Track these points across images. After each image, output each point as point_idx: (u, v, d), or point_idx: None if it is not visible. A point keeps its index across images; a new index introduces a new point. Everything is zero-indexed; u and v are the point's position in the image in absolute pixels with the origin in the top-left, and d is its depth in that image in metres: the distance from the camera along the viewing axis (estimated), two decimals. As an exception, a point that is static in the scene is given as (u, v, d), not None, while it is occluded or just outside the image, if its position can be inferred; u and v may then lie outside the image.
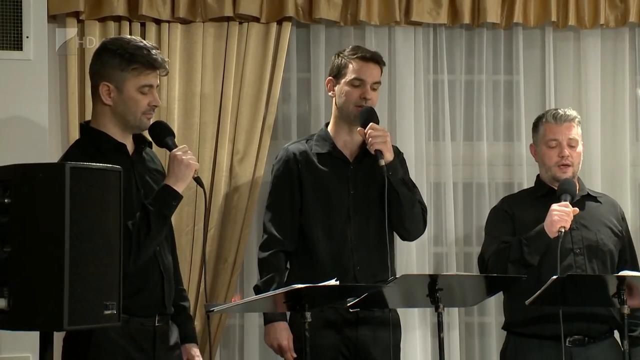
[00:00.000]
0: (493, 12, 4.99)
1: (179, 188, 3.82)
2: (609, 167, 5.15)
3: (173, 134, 3.94)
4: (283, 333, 4.27)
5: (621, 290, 3.95)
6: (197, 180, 3.89)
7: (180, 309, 4.01)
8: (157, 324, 3.84)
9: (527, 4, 5.04)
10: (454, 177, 5.07)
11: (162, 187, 3.82)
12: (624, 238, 4.58)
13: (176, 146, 3.89)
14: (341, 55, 4.43)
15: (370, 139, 4.26)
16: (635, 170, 5.20)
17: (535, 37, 5.17)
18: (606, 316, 4.39)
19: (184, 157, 3.83)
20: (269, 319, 4.30)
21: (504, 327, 4.58)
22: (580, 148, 4.55)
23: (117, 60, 3.79)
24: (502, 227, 4.52)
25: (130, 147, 3.90)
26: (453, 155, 5.07)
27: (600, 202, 4.61)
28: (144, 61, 3.80)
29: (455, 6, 5.00)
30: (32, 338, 3.38)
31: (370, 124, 4.28)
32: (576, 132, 4.54)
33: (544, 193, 4.55)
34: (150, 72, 3.82)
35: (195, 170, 3.86)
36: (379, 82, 4.41)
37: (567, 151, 4.49)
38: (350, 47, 4.47)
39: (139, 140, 3.94)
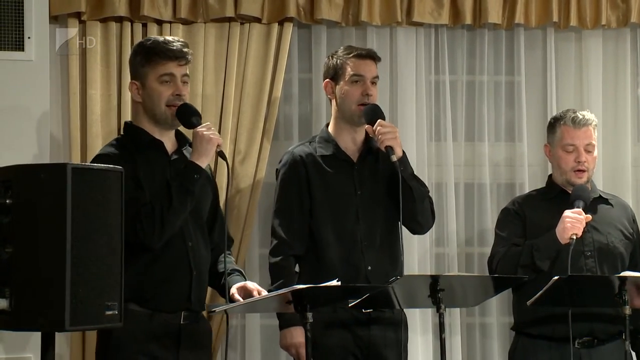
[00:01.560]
0: (494, 13, 4.99)
1: (202, 163, 3.89)
2: (611, 167, 5.14)
3: (199, 115, 3.98)
4: (299, 336, 4.21)
5: (622, 291, 3.95)
6: (220, 154, 3.94)
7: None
8: (182, 322, 3.83)
9: (529, 4, 5.04)
10: (455, 178, 5.06)
11: (185, 163, 3.89)
12: (635, 240, 4.57)
13: (200, 124, 3.94)
14: (335, 56, 4.40)
15: (379, 135, 4.22)
16: (636, 170, 5.19)
17: (536, 38, 5.17)
18: (615, 317, 4.35)
19: (205, 132, 3.89)
20: (285, 324, 4.25)
21: (513, 328, 4.58)
22: (596, 152, 4.55)
23: (138, 58, 3.95)
24: (512, 227, 4.51)
25: (170, 146, 3.97)
26: (454, 155, 5.06)
27: (612, 205, 4.60)
28: (158, 51, 3.91)
29: (457, 7, 4.99)
30: (34, 339, 3.38)
31: (378, 120, 4.25)
32: (593, 136, 4.53)
33: (555, 195, 4.54)
34: (167, 61, 3.91)
35: (218, 145, 3.91)
36: (377, 77, 4.40)
37: (584, 157, 4.48)
38: (342, 47, 4.45)
39: (181, 140, 4.01)
